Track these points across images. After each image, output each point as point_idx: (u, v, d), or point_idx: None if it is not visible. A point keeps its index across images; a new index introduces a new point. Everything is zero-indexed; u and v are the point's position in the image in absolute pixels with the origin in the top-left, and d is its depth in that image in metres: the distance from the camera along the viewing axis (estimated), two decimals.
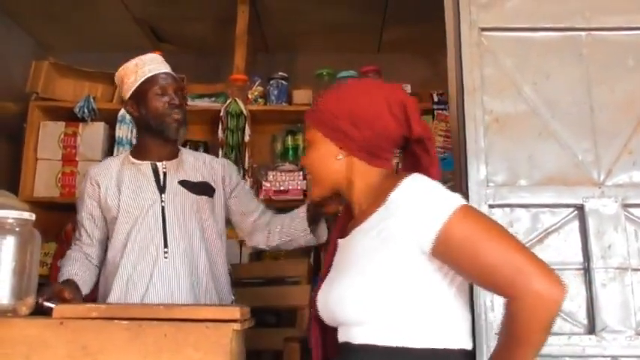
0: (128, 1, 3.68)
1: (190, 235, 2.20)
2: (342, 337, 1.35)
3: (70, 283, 2.06)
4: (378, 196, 1.33)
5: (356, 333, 1.29)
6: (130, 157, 2.28)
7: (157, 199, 2.19)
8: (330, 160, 1.42)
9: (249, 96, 3.55)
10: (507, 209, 1.86)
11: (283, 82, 3.64)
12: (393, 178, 1.37)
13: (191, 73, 3.72)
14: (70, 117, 3.51)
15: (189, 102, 3.54)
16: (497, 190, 1.85)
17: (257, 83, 3.60)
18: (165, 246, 2.14)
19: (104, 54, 4.00)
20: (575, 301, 1.81)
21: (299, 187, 3.47)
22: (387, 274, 1.25)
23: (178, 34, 4.10)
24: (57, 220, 3.42)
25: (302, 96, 3.61)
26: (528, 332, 1.17)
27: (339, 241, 1.44)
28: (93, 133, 3.53)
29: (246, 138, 3.40)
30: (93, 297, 2.21)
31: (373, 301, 1.25)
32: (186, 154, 2.36)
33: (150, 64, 2.24)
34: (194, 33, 4.05)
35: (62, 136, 3.53)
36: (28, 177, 3.47)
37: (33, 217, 1.71)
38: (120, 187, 2.20)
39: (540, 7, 1.97)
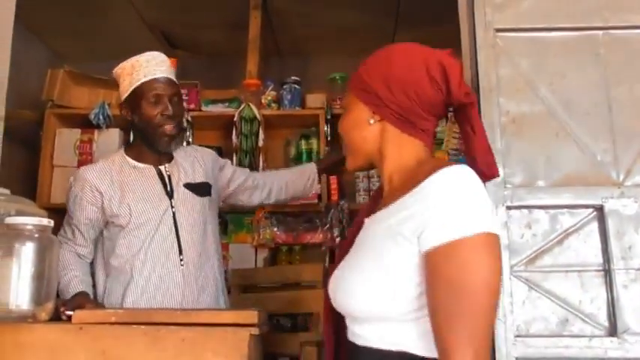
0: (141, 8, 3.69)
1: (202, 239, 2.20)
2: (349, 334, 1.27)
3: (86, 295, 2.06)
4: (412, 177, 1.21)
5: (360, 331, 1.22)
6: (128, 158, 2.23)
7: (167, 205, 2.17)
8: (362, 125, 1.31)
9: (263, 101, 3.54)
10: (525, 210, 1.84)
11: (296, 86, 3.63)
12: (433, 159, 1.27)
13: (204, 79, 3.73)
14: (86, 124, 3.52)
15: (203, 108, 3.56)
16: (515, 192, 1.84)
17: (270, 88, 3.60)
18: (181, 253, 2.14)
19: (118, 62, 4.01)
20: (595, 303, 1.79)
21: (313, 191, 3.45)
22: (387, 269, 1.15)
23: (191, 41, 4.11)
24: None
25: (315, 100, 3.61)
26: None
27: (366, 219, 1.34)
28: (108, 139, 3.54)
29: (260, 143, 3.40)
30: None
31: (378, 299, 1.15)
32: (177, 154, 2.31)
33: (146, 67, 2.16)
34: (207, 39, 4.06)
35: (78, 142, 3.54)
36: (45, 184, 3.48)
37: (51, 223, 1.71)
38: (126, 194, 2.15)
39: (556, 6, 1.96)
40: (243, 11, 3.58)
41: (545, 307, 1.80)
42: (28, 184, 3.44)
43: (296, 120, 3.67)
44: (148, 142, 2.20)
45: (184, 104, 3.46)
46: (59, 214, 3.30)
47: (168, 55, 3.66)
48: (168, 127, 2.15)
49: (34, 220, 1.68)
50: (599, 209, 1.82)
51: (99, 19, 3.78)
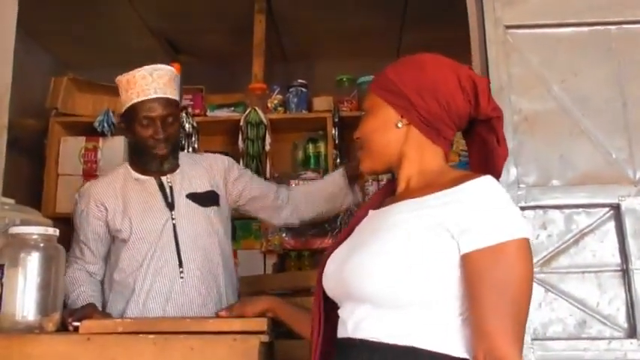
0: (145, 14, 3.70)
1: (205, 250, 2.16)
2: (347, 329, 1.23)
3: (94, 307, 2.02)
4: (435, 180, 1.26)
5: (366, 321, 1.19)
6: (132, 170, 2.22)
7: (168, 217, 2.15)
8: (389, 128, 1.33)
9: (269, 105, 3.54)
10: (540, 211, 1.82)
11: (302, 89, 3.62)
12: (455, 170, 1.31)
13: (209, 84, 3.73)
14: (90, 132, 3.52)
15: (209, 113, 3.56)
16: (528, 192, 1.82)
17: (276, 92, 3.59)
18: (180, 266, 2.11)
19: (122, 68, 4.01)
20: (613, 305, 1.77)
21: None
22: (419, 255, 1.15)
23: (196, 46, 4.11)
24: None
25: (322, 103, 3.59)
26: None
27: (371, 211, 1.37)
28: (113, 147, 3.54)
29: (267, 147, 3.39)
30: None
31: (394, 279, 1.15)
32: (185, 161, 2.28)
33: (140, 85, 2.12)
34: (211, 43, 4.05)
35: (83, 151, 3.54)
36: (50, 193, 3.49)
37: (57, 232, 1.71)
38: (128, 209, 2.15)
39: (566, 2, 1.95)
40: (248, 15, 3.57)
41: (563, 310, 1.78)
42: (32, 194, 3.44)
43: (303, 123, 3.66)
44: (143, 162, 2.19)
45: (189, 110, 3.46)
46: (65, 223, 3.29)
47: (173, 61, 3.69)
48: (160, 150, 2.13)
49: (40, 230, 1.68)
50: (616, 208, 1.80)
51: (102, 26, 3.79)
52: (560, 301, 1.78)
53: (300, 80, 3.65)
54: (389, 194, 1.40)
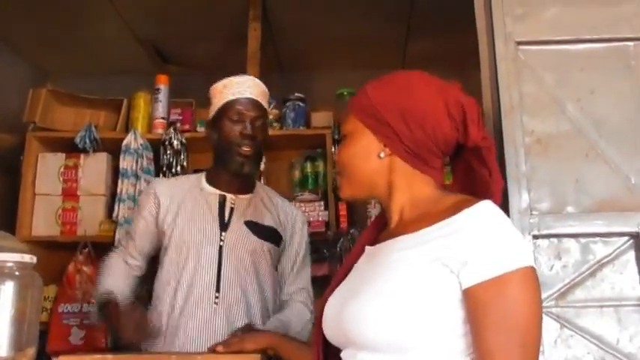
0: (131, 21, 3.73)
1: (246, 282, 2.18)
2: None
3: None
4: (429, 210, 1.27)
5: None
6: (203, 180, 2.30)
7: (217, 237, 2.18)
8: (370, 158, 1.33)
9: None
10: (554, 240, 1.84)
11: (300, 103, 3.65)
12: (449, 195, 1.31)
13: (200, 96, 3.72)
14: (71, 148, 3.54)
15: (199, 128, 3.58)
16: (541, 219, 1.84)
17: (271, 105, 3.61)
18: (217, 290, 2.13)
19: (106, 78, 4.07)
20: (635, 342, 1.78)
21: (320, 219, 3.45)
22: (419, 297, 1.16)
23: (185, 55, 4.14)
24: (58, 261, 3.40)
25: (321, 118, 3.62)
26: None
27: (367, 247, 1.38)
28: (95, 164, 3.55)
29: (261, 166, 3.39)
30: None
31: (396, 324, 1.16)
32: (262, 191, 2.37)
33: (237, 87, 2.25)
34: (202, 53, 4.08)
35: (62, 168, 3.55)
36: (26, 214, 3.49)
37: (34, 259, 1.71)
38: (179, 214, 2.22)
39: (582, 16, 1.97)
40: (242, 23, 3.60)
41: (580, 347, 1.79)
42: (6, 215, 3.45)
43: (300, 140, 3.68)
44: (223, 163, 2.25)
45: (178, 125, 3.48)
46: (42, 247, 3.33)
47: (161, 72, 3.72)
48: (245, 148, 2.19)
49: (15, 257, 1.68)
50: (636, 237, 1.82)
51: (85, 33, 3.83)
52: (576, 337, 1.79)
53: (297, 94, 3.67)
54: (382, 227, 1.42)
